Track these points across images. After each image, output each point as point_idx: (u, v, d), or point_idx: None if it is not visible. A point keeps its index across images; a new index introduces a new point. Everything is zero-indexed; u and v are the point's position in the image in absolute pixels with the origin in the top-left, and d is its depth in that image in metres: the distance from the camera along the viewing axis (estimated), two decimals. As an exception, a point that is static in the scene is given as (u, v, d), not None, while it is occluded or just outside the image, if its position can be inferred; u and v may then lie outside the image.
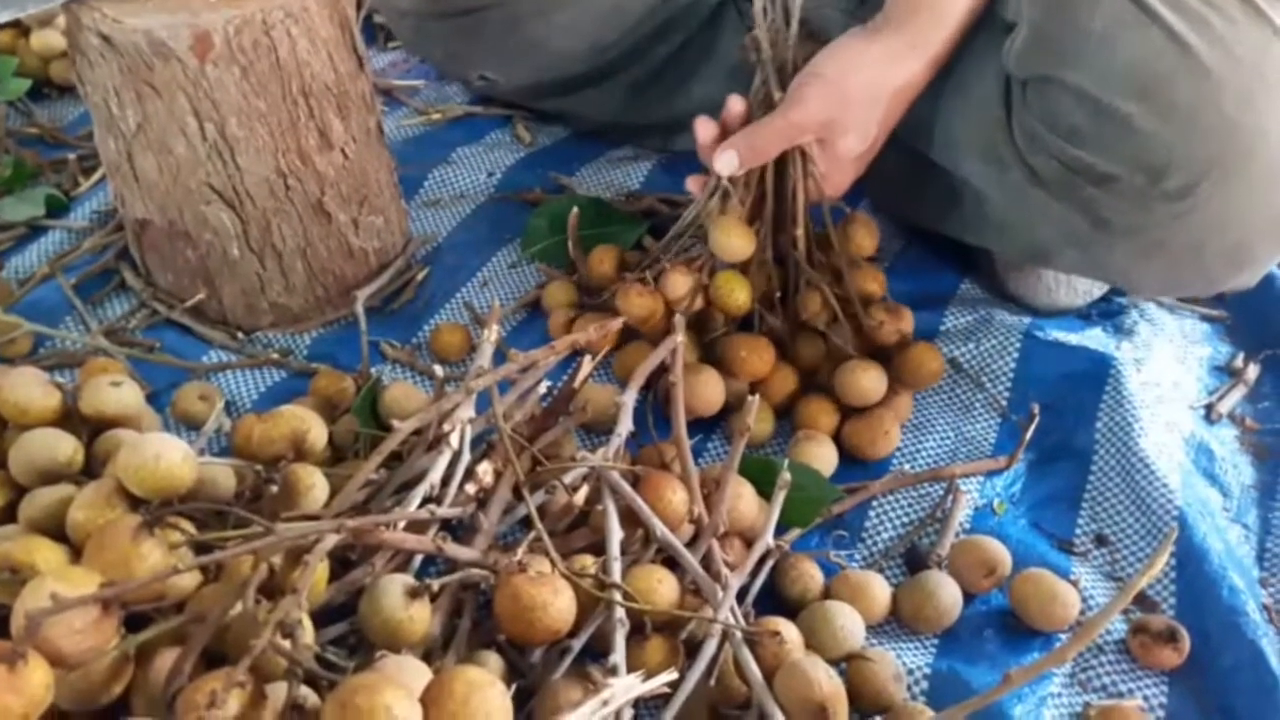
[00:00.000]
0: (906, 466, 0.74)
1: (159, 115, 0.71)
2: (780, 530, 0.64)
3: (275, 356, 0.78)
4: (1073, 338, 0.81)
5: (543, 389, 0.67)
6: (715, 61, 0.98)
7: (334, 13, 0.73)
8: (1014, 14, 0.72)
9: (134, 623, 0.45)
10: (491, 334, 0.66)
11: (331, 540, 0.44)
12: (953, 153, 0.79)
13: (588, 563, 0.53)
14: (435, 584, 0.48)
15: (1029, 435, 0.73)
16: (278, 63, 0.70)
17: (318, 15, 0.71)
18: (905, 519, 0.70)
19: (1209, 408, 0.78)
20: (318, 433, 0.59)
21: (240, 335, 0.80)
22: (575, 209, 0.86)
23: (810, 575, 0.62)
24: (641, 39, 0.95)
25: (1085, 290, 0.85)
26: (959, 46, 0.75)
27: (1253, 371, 0.81)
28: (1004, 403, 0.78)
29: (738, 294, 0.74)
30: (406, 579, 0.48)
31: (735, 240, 0.73)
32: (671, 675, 0.46)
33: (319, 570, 0.47)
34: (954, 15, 0.72)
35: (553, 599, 0.48)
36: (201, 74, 0.69)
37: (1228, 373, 0.82)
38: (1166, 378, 0.79)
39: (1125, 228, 0.68)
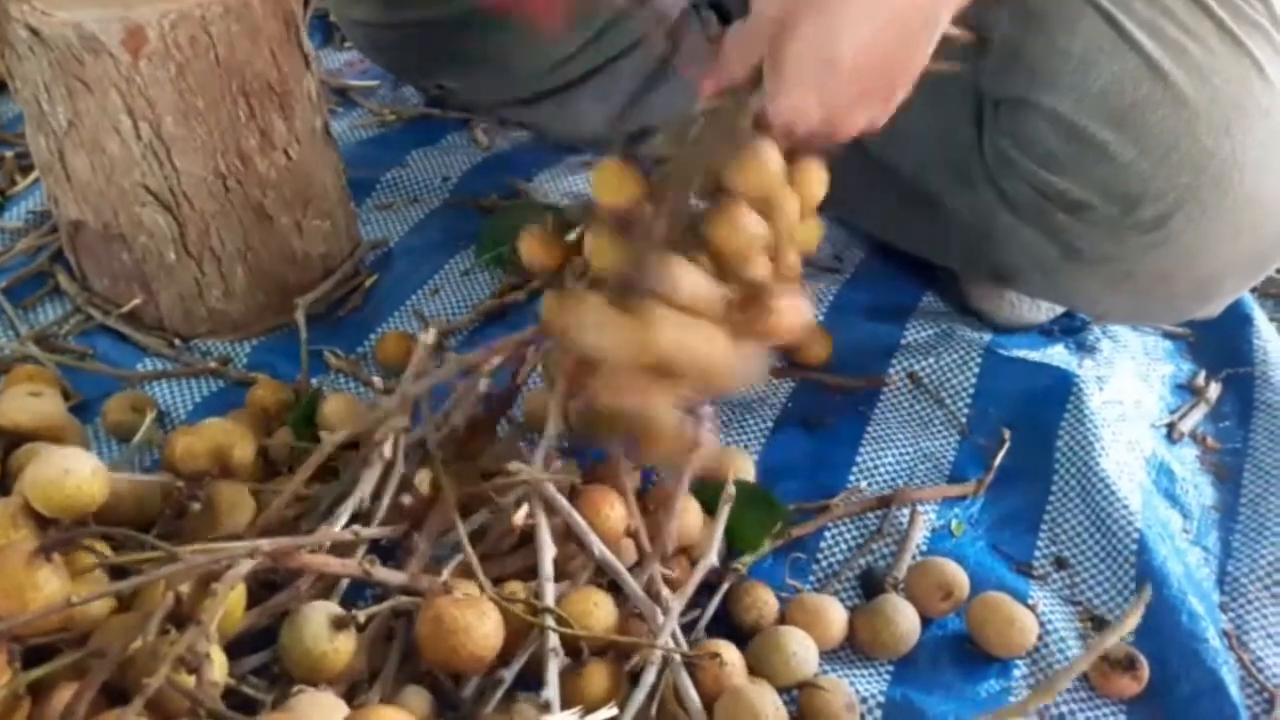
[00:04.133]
0: (864, 483, 0.72)
1: (91, 112, 0.68)
2: (734, 555, 0.62)
3: (212, 365, 0.75)
4: (1034, 354, 0.80)
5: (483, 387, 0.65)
6: (675, 74, 0.96)
7: (278, 8, 0.70)
8: (990, 31, 0.71)
9: (35, 655, 0.42)
10: (429, 336, 0.63)
11: (245, 566, 0.41)
12: (922, 170, 0.77)
13: (517, 587, 0.50)
14: (362, 615, 0.45)
15: (998, 460, 0.71)
16: (216, 60, 0.68)
17: (260, 11, 0.69)
18: (861, 537, 0.68)
19: (1170, 427, 0.77)
20: (244, 448, 0.56)
21: (177, 342, 0.77)
22: (549, 214, 0.84)
23: (765, 601, 0.60)
24: (601, 52, 0.93)
25: (1048, 306, 0.84)
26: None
27: (1214, 390, 0.80)
28: (964, 419, 0.76)
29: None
30: (331, 607, 0.46)
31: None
32: (610, 711, 0.44)
33: (234, 597, 0.44)
34: None
35: (477, 623, 0.46)
36: (135, 70, 0.66)
37: (1190, 391, 0.81)
38: (1128, 396, 0.78)
39: (1095, 256, 0.67)
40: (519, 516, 0.53)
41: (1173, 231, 0.63)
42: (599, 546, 0.52)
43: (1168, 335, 0.86)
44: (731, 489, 0.59)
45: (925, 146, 0.76)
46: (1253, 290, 0.89)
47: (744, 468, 0.67)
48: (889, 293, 0.88)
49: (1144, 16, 0.63)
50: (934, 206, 0.77)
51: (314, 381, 0.75)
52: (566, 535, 0.53)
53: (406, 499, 0.51)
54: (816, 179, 0.57)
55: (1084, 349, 0.82)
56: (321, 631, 0.45)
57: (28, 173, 0.93)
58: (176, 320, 0.78)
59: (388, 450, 0.52)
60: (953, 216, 0.76)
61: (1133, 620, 0.42)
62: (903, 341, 0.83)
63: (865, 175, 0.86)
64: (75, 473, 0.47)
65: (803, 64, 0.52)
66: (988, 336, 0.82)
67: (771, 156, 0.53)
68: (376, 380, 0.66)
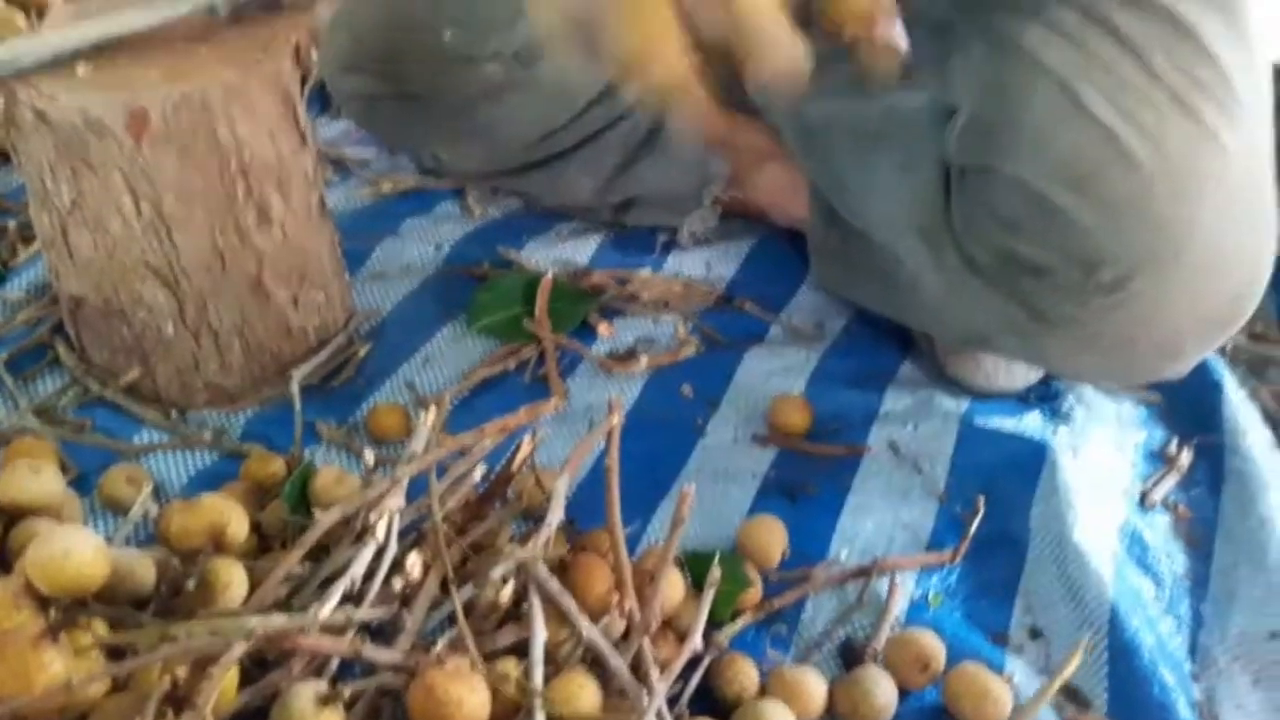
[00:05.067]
0: (845, 552, 0.73)
1: (94, 192, 0.70)
2: (714, 625, 0.63)
3: (207, 437, 0.77)
4: (1010, 423, 0.82)
5: (479, 474, 0.67)
6: (661, 145, 0.99)
7: (276, 90, 0.73)
8: (956, 99, 0.74)
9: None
10: (429, 418, 0.65)
11: (240, 649, 0.42)
12: (893, 235, 0.80)
13: (510, 668, 0.52)
14: (348, 691, 0.47)
15: (972, 529, 0.73)
16: (216, 141, 0.70)
17: (259, 93, 0.71)
18: (841, 606, 0.69)
19: (1143, 495, 0.79)
20: (238, 524, 0.58)
21: (174, 414, 0.79)
22: (548, 277, 0.87)
23: (746, 674, 0.61)
24: (589, 124, 0.96)
25: (1024, 374, 0.86)
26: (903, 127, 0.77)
27: (1186, 457, 0.82)
28: (942, 488, 0.78)
29: None
30: (318, 685, 0.47)
31: None
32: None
33: (228, 678, 0.45)
34: None
35: (469, 696, 0.47)
36: (138, 152, 0.68)
37: (1162, 458, 0.83)
38: (1102, 464, 0.80)
39: (1060, 319, 0.70)
40: (505, 594, 0.54)
41: (1132, 293, 0.66)
42: (588, 629, 0.53)
43: (1141, 402, 0.88)
44: (718, 571, 0.60)
45: (896, 212, 0.78)
46: (1222, 356, 0.92)
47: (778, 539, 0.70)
48: (869, 360, 0.90)
49: (1101, 87, 0.66)
50: (907, 272, 0.80)
51: (307, 452, 0.76)
52: (557, 611, 0.55)
53: (398, 582, 0.53)
54: None
55: (1059, 417, 0.84)
56: (308, 708, 0.46)
57: (29, 243, 0.95)
58: (173, 392, 0.79)
59: (381, 532, 0.54)
60: (925, 282, 0.78)
61: (1075, 661, 0.43)
62: (882, 409, 0.85)
63: (843, 245, 0.89)
64: (77, 553, 0.48)
65: None
66: (965, 404, 0.84)
67: None
68: (368, 454, 0.68)
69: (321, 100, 1.18)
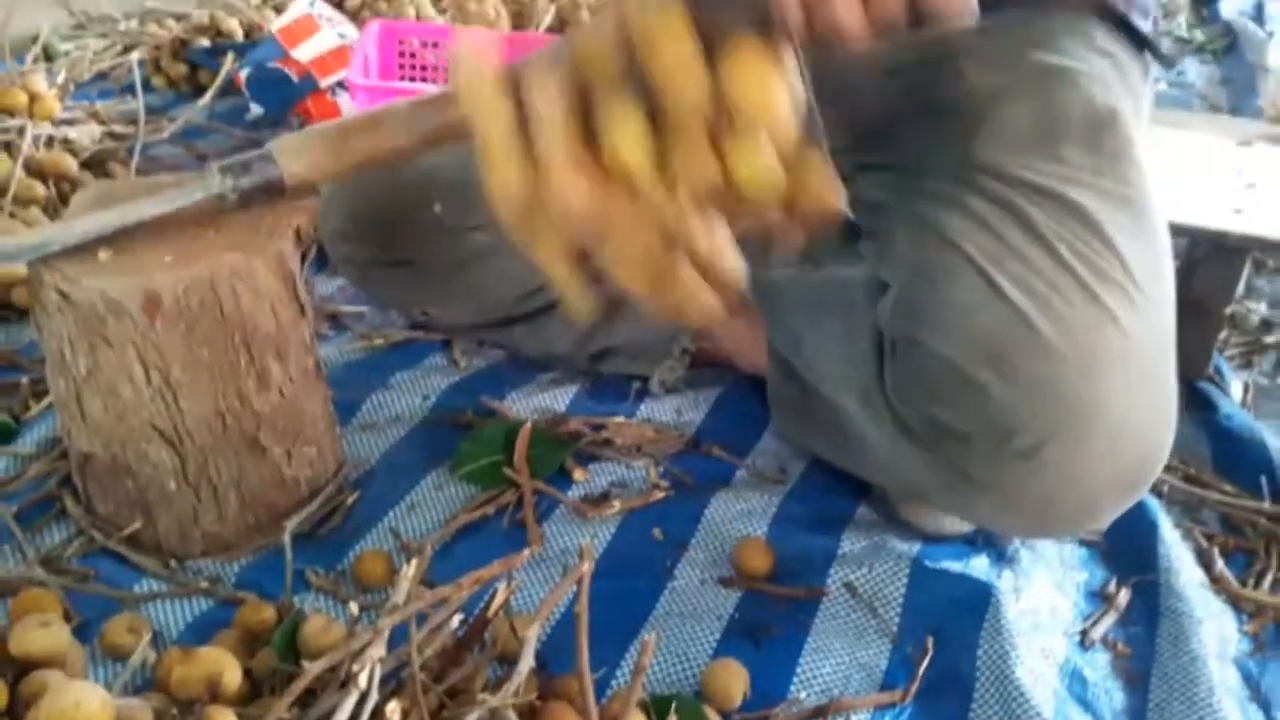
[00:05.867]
0: (804, 693, 0.78)
1: (109, 363, 0.77)
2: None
3: (204, 585, 0.82)
4: (957, 566, 0.87)
5: (455, 622, 0.71)
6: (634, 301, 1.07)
7: (278, 269, 0.80)
8: (887, 276, 0.81)
9: None
10: (409, 571, 0.70)
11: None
12: (841, 394, 0.87)
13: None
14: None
15: (921, 669, 0.78)
16: (222, 316, 0.77)
17: (262, 273, 0.79)
18: (800, 746, 0.73)
19: (1083, 633, 0.84)
20: (232, 674, 0.63)
21: (173, 563, 0.84)
22: (527, 426, 0.94)
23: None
24: None
25: (972, 518, 0.92)
26: (842, 301, 0.84)
27: (1124, 596, 0.87)
28: (894, 628, 0.83)
29: None
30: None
31: None
32: None
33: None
34: None
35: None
36: (151, 329, 0.75)
37: (1102, 598, 0.88)
38: (1044, 605, 0.85)
39: (984, 481, 0.76)
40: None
41: (1046, 461, 0.72)
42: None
43: (1084, 543, 0.93)
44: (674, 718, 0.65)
45: (839, 373, 0.85)
46: (1159, 498, 0.98)
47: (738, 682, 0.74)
48: (827, 504, 0.96)
49: (1014, 273, 0.73)
50: (856, 428, 0.86)
51: (297, 600, 0.81)
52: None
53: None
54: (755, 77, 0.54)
55: (1004, 559, 0.89)
56: None
57: (40, 398, 1.01)
58: (173, 542, 0.85)
59: (363, 681, 0.59)
60: (870, 439, 0.85)
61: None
62: (840, 552, 0.91)
63: (800, 398, 0.96)
64: (86, 706, 0.53)
65: None
66: (917, 547, 0.90)
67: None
68: (352, 606, 0.73)
69: (320, 259, 1.26)
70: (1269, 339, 1.25)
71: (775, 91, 0.54)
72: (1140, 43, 0.90)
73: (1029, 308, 0.72)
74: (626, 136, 0.55)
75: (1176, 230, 1.11)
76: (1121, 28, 0.89)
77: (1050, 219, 0.75)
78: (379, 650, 0.63)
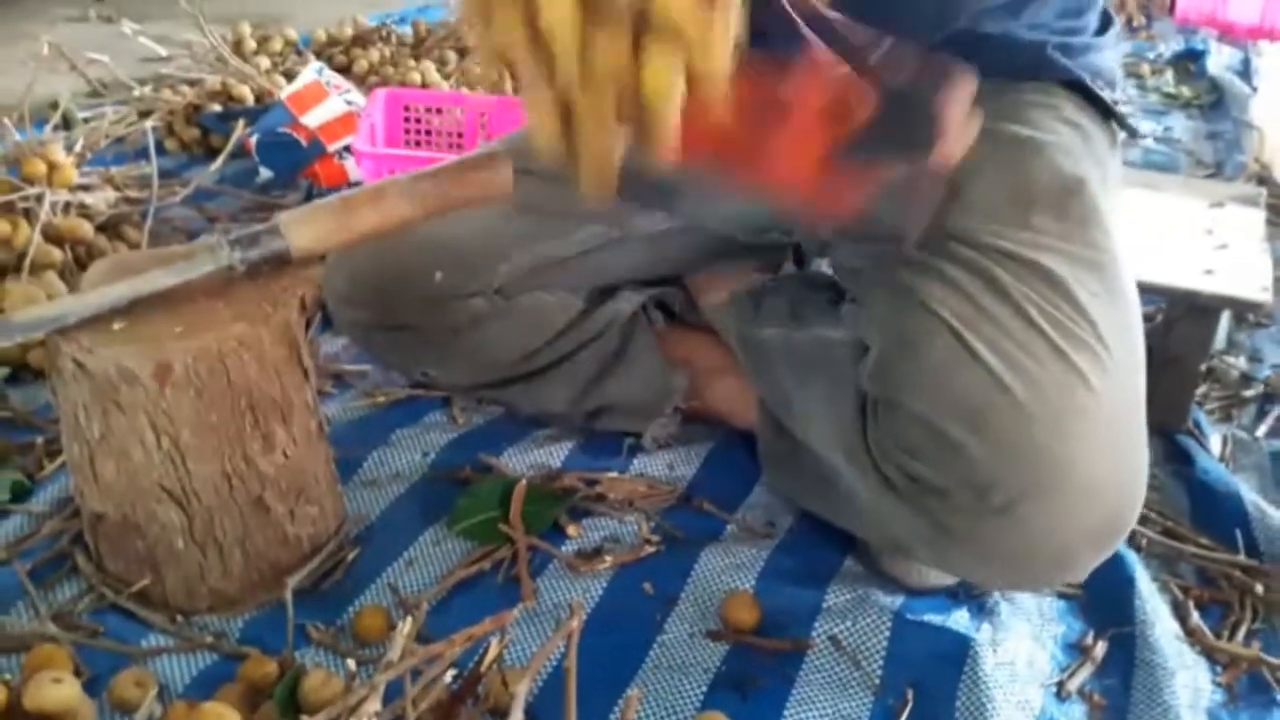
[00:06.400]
0: (788, 744, 0.80)
1: (121, 428, 0.81)
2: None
3: (209, 640, 0.85)
4: (938, 618, 0.90)
5: (450, 677, 0.74)
6: (628, 361, 1.11)
7: (284, 338, 0.84)
8: (868, 339, 0.85)
9: None
10: (404, 628, 0.73)
11: None
12: (827, 452, 0.90)
13: None
14: None
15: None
16: (229, 383, 0.81)
17: (268, 341, 0.83)
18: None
19: (1060, 685, 0.86)
20: (236, 729, 0.66)
21: (179, 619, 0.87)
22: (523, 484, 0.98)
23: None
24: (563, 346, 1.08)
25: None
26: (827, 361, 0.87)
27: (1101, 649, 0.90)
28: (877, 681, 0.86)
29: None
30: None
31: None
32: None
33: None
34: None
35: None
36: (161, 395, 0.79)
37: (1079, 649, 0.90)
38: (1021, 657, 0.88)
39: (962, 535, 0.79)
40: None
41: (1021, 516, 0.75)
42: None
43: (1062, 595, 0.96)
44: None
45: (826, 430, 0.89)
46: (1137, 551, 1.01)
47: None
48: (814, 558, 0.98)
49: (987, 336, 0.77)
50: (844, 484, 0.89)
51: (298, 655, 0.84)
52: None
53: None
54: None
55: (984, 613, 0.92)
56: None
57: (54, 458, 1.05)
58: (179, 598, 0.88)
59: (358, 734, 0.62)
60: (853, 494, 0.88)
61: None
62: (825, 605, 0.93)
63: (790, 454, 0.99)
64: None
65: None
66: (900, 600, 0.93)
67: None
68: (350, 663, 0.76)
69: (325, 320, 1.31)
70: (1248, 393, 1.29)
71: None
72: (1107, 113, 0.95)
73: (1002, 369, 0.75)
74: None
75: (1151, 290, 1.16)
76: (1088, 99, 0.94)
77: (1021, 283, 0.78)
78: (374, 705, 0.66)
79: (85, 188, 1.41)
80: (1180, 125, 2.29)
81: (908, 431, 0.78)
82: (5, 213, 1.26)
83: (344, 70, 2.12)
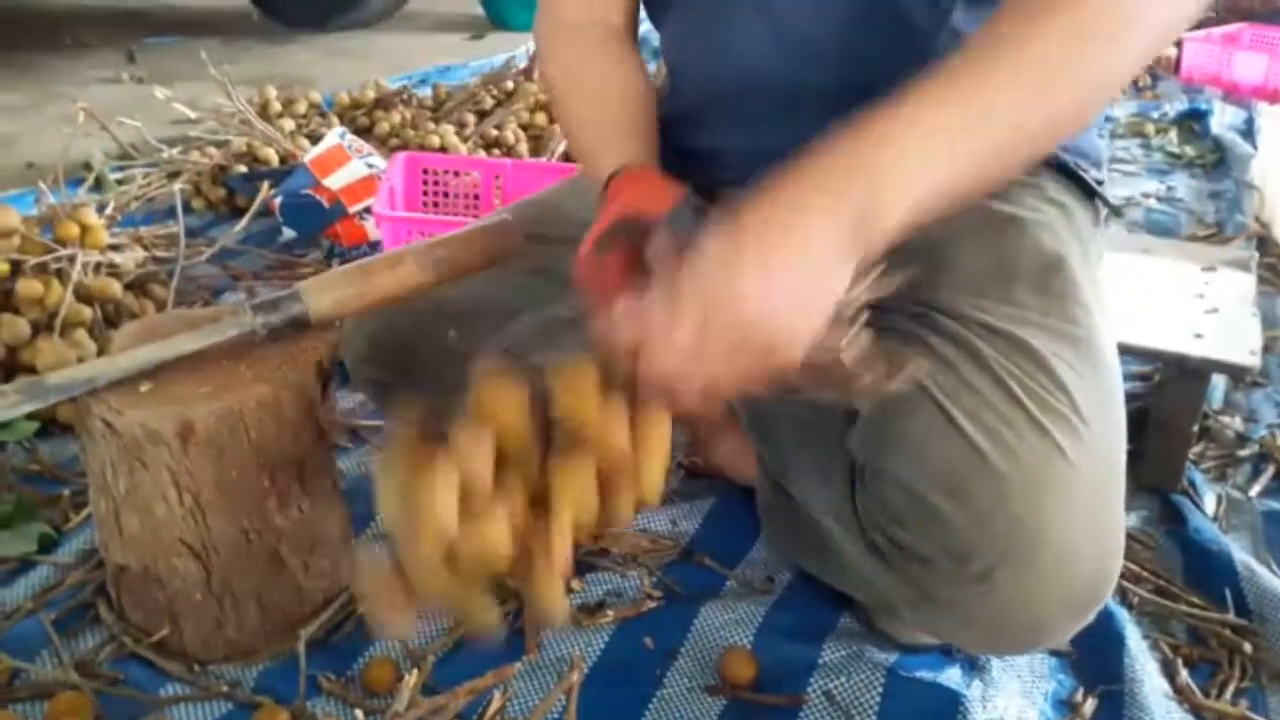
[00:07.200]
0: (781, 798, 0.83)
1: (146, 484, 0.85)
2: None
3: (224, 689, 0.88)
4: (930, 675, 0.92)
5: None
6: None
7: (301, 400, 0.89)
8: (859, 407, 0.88)
9: None
10: (410, 680, 0.77)
11: None
12: (819, 513, 0.93)
13: None
14: None
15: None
16: (249, 443, 0.85)
17: (287, 402, 0.87)
18: None
19: (1048, 742, 0.88)
20: (249, 777, 0.69)
21: (196, 668, 0.91)
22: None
23: None
24: None
25: (946, 629, 0.97)
26: (821, 428, 0.91)
27: (1090, 706, 0.92)
28: (869, 735, 0.88)
29: None
30: None
31: None
32: None
33: None
34: (887, 176, 0.65)
35: None
36: (184, 454, 0.83)
37: (1069, 706, 0.92)
38: (1011, 713, 0.90)
39: (943, 600, 0.81)
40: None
41: (998, 583, 0.76)
42: None
43: (1053, 653, 0.98)
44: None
45: (819, 494, 0.91)
46: (1129, 610, 1.03)
47: None
48: (810, 615, 1.01)
49: (968, 407, 0.79)
50: (834, 543, 0.92)
51: (309, 704, 0.87)
52: None
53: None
54: (659, 431, 0.67)
55: (975, 669, 0.94)
56: None
57: (79, 510, 1.09)
58: (196, 648, 0.91)
59: (363, 783, 0.65)
60: (843, 555, 0.90)
61: None
62: (820, 660, 0.96)
63: (787, 514, 1.02)
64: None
65: (705, 293, 0.63)
66: (893, 657, 0.95)
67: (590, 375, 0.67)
68: (358, 713, 0.79)
69: (342, 376, 1.35)
70: (1243, 452, 1.31)
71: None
72: (1090, 192, 0.98)
73: (981, 440, 0.77)
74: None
75: (1142, 353, 1.19)
76: (1072, 178, 0.97)
77: (1002, 356, 0.81)
78: (380, 754, 0.70)
79: (115, 247, 1.47)
80: (1183, 185, 2.33)
81: (892, 498, 0.81)
82: (39, 273, 1.32)
83: (366, 132, 2.20)
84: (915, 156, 0.65)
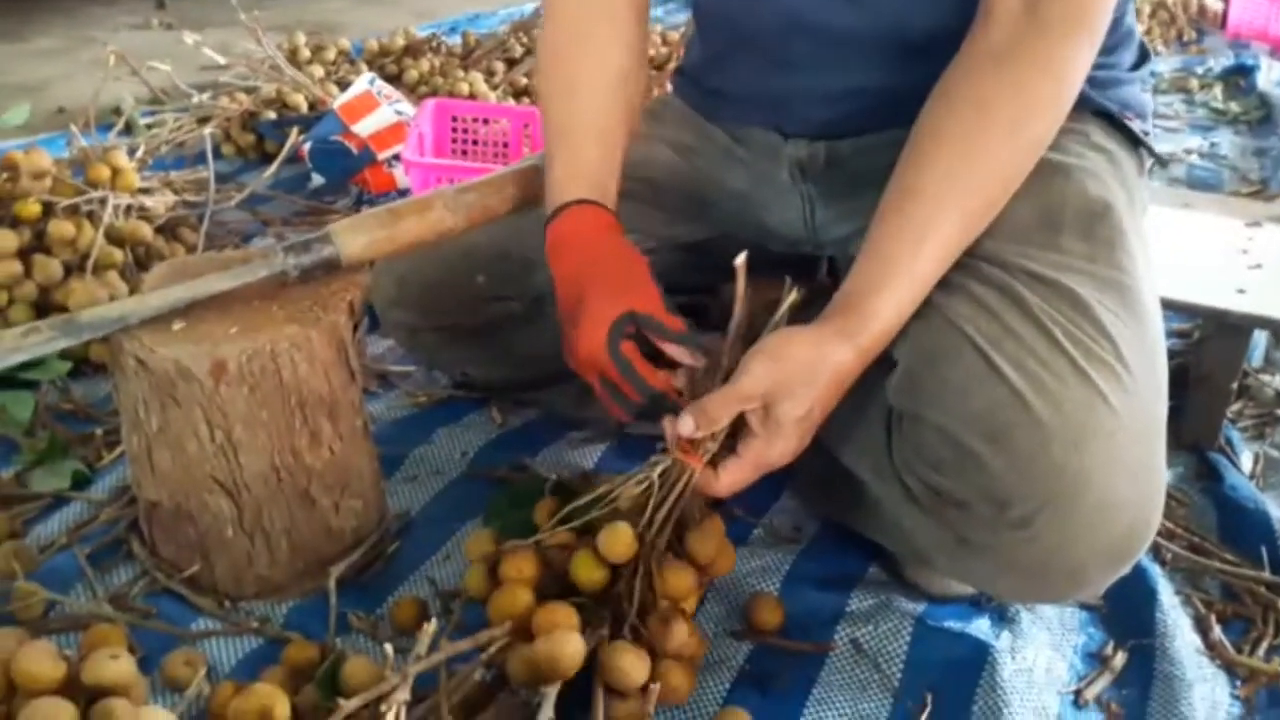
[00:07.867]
0: (806, 742, 0.83)
1: (177, 421, 0.85)
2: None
3: (255, 625, 0.89)
4: (958, 625, 0.92)
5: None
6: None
7: (332, 339, 0.88)
8: (896, 354, 0.87)
9: None
10: (430, 626, 0.76)
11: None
12: (855, 463, 0.92)
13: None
14: None
15: (920, 721, 0.82)
16: (280, 382, 0.85)
17: (318, 342, 0.87)
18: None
19: (1078, 693, 0.88)
20: (282, 709, 0.69)
21: (227, 604, 0.92)
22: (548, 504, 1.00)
23: None
24: None
25: (975, 580, 0.96)
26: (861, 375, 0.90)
27: (1120, 659, 0.91)
28: (896, 684, 0.88)
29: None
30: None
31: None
32: None
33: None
34: (879, 318, 0.79)
35: None
36: (216, 391, 0.83)
37: (1099, 659, 0.92)
38: (1040, 664, 0.89)
39: (980, 546, 0.80)
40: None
41: (1038, 529, 0.76)
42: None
43: (1083, 606, 0.97)
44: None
45: (854, 442, 0.91)
46: (1162, 566, 1.02)
47: None
48: (838, 564, 1.01)
49: (1010, 353, 0.78)
50: (867, 493, 0.92)
51: (339, 641, 0.88)
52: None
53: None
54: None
55: (1005, 620, 0.94)
56: None
57: (112, 449, 1.10)
58: (227, 584, 0.92)
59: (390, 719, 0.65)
60: (879, 504, 0.90)
61: None
62: (848, 609, 0.95)
63: (819, 467, 1.01)
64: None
65: (789, 419, 0.79)
66: (922, 607, 0.94)
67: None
68: (388, 648, 0.79)
69: (372, 322, 1.35)
70: (1281, 411, 1.29)
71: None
72: (1136, 140, 0.96)
73: (1024, 386, 0.76)
74: None
75: (1183, 308, 1.17)
76: (1117, 127, 0.95)
77: (1046, 303, 0.80)
78: (404, 694, 0.70)
79: (146, 191, 1.48)
80: (1227, 141, 2.28)
81: (931, 444, 0.80)
82: (70, 215, 1.32)
83: (395, 79, 2.18)
84: (905, 293, 0.81)
